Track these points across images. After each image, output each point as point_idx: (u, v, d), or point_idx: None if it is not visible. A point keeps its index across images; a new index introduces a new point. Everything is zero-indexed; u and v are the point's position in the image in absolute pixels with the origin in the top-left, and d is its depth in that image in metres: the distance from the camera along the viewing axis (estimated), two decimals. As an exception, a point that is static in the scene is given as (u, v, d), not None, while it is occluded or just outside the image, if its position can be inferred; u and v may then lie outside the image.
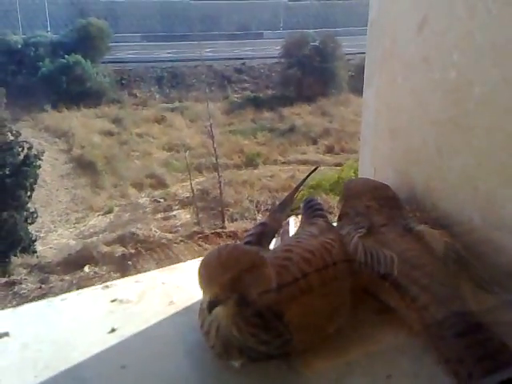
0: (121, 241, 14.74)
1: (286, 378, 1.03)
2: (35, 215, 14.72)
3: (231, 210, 17.53)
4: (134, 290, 1.32)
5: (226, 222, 16.69)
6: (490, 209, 1.26)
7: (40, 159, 15.02)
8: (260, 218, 15.67)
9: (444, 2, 1.29)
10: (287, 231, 1.45)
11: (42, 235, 15.28)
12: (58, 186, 18.75)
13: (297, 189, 1.53)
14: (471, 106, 1.25)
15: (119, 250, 14.16)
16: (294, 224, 1.49)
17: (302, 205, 1.45)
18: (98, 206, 17.70)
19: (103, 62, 27.58)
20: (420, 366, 1.05)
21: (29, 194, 14.55)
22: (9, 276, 13.14)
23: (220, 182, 17.73)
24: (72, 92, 24.20)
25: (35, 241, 14.36)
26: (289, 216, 1.52)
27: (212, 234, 15.33)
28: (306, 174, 1.62)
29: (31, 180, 14.50)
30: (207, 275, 0.97)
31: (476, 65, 1.23)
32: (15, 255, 13.76)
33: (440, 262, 1.15)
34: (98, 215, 17.32)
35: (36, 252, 14.19)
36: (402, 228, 1.25)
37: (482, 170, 1.26)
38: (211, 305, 0.95)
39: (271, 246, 1.30)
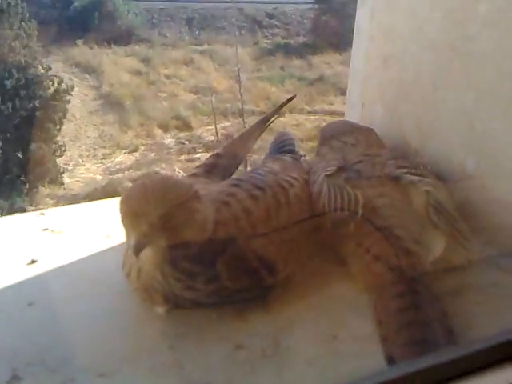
0: (145, 179, 15.06)
1: (216, 330, 0.88)
2: (63, 148, 14.94)
3: (254, 156, 17.66)
4: (70, 219, 1.17)
5: (248, 167, 16.84)
6: (487, 153, 1.09)
7: (70, 94, 15.08)
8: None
9: None
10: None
11: (69, 168, 15.60)
12: (86, 121, 18.99)
13: (265, 119, 1.33)
14: (474, 28, 1.09)
15: (143, 188, 14.48)
16: None
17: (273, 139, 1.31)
18: (124, 144, 17.95)
19: (135, 0, 27.34)
20: (368, 327, 0.89)
21: (58, 127, 14.68)
22: (36, 205, 13.53)
23: (245, 128, 17.75)
24: (103, 29, 24.15)
25: (63, 173, 14.60)
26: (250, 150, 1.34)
27: (233, 177, 15.57)
28: (282, 103, 1.48)
29: (60, 114, 14.62)
30: (132, 212, 0.82)
31: None
32: (43, 185, 14.02)
33: (414, 213, 1.01)
34: (125, 153, 17.59)
35: (63, 184, 14.46)
36: (379, 170, 1.09)
37: (480, 107, 1.10)
38: (139, 246, 0.81)
39: None
